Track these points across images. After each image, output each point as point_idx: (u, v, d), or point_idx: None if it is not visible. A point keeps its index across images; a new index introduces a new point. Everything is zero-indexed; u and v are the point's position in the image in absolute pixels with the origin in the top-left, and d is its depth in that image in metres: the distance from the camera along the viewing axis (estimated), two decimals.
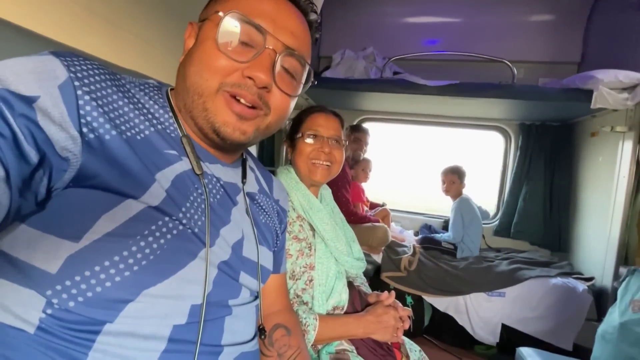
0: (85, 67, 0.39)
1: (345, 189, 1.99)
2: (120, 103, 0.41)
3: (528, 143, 2.46)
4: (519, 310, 1.88)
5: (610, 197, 1.88)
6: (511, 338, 1.89)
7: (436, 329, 2.13)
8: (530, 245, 2.46)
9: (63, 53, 0.40)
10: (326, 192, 1.04)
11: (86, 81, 0.39)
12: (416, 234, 2.59)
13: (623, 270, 1.85)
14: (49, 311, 0.34)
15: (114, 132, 0.39)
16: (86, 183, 0.36)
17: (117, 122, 0.40)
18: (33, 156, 0.33)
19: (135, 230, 0.38)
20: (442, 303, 2.01)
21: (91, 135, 0.37)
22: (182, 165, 0.44)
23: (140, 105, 0.44)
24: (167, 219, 0.40)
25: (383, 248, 2.10)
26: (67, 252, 0.35)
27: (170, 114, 0.47)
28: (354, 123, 2.81)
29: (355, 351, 0.80)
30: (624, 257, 1.82)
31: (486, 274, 1.97)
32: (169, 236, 0.40)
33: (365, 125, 2.83)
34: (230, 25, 0.44)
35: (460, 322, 1.97)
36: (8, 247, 0.35)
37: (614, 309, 0.96)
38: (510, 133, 2.61)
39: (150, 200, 0.39)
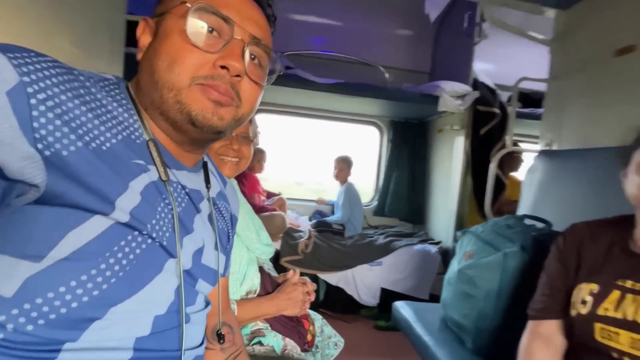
0: (39, 67, 0.34)
1: (241, 182, 2.01)
2: (83, 109, 0.37)
3: (396, 137, 2.96)
4: (393, 274, 2.30)
5: (450, 179, 2.47)
6: (387, 298, 2.29)
7: (330, 302, 2.40)
8: (399, 221, 3.00)
9: (10, 47, 0.34)
10: (233, 183, 1.06)
11: (41, 85, 0.34)
12: (310, 219, 2.81)
13: (459, 233, 2.47)
14: (0, 335, 0.32)
15: (78, 144, 0.35)
16: (51, 201, 0.34)
17: (79, 132, 0.36)
18: None
19: (103, 248, 0.36)
20: (334, 278, 2.28)
21: (49, 152, 0.33)
22: (150, 175, 0.42)
23: (103, 109, 0.40)
24: (136, 233, 0.39)
25: (281, 235, 2.21)
26: (27, 273, 0.33)
27: (135, 116, 0.44)
28: None
29: (269, 328, 0.88)
30: (460, 224, 2.44)
31: (368, 248, 2.32)
32: (137, 251, 0.39)
33: (257, 117, 2.85)
34: (197, 17, 0.43)
35: (349, 292, 2.28)
36: None
37: (454, 261, 1.31)
38: (384, 128, 3.08)
39: (119, 216, 0.37)
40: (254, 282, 0.93)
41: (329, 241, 2.34)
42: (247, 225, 0.95)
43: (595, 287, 0.76)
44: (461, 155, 2.37)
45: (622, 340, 0.68)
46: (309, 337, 0.94)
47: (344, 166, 2.64)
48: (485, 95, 2.28)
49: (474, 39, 2.27)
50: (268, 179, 3.05)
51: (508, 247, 1.09)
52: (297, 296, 0.91)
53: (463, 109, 2.23)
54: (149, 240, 0.40)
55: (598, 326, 0.72)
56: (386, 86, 2.41)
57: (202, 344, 0.53)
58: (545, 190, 1.43)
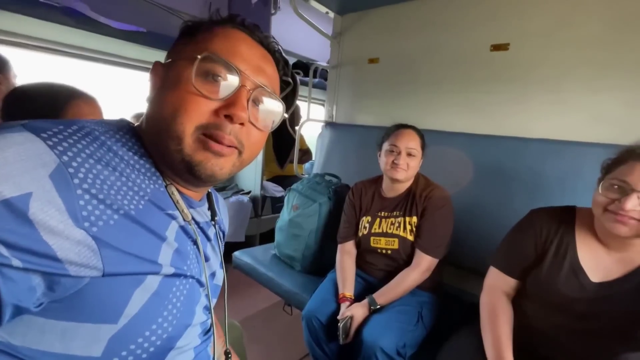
0: (71, 142, 0.35)
1: None
2: (116, 174, 0.39)
3: None
4: None
5: None
6: None
7: None
8: None
9: (40, 126, 0.35)
10: None
11: (78, 160, 0.35)
12: None
13: (265, 183, 2.95)
14: None
15: (120, 212, 0.37)
16: (109, 274, 0.36)
17: (118, 201, 0.37)
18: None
19: (162, 299, 0.41)
20: None
21: (96, 228, 0.34)
22: (178, 221, 0.46)
23: (130, 169, 0.41)
24: (181, 278, 0.45)
25: None
26: (109, 334, 0.37)
27: (153, 166, 0.46)
28: None
29: None
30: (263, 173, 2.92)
31: None
32: (185, 292, 0.45)
33: (2, 50, 1.95)
34: (205, 66, 0.43)
35: None
36: (35, 343, 0.34)
37: (284, 212, 1.73)
38: None
39: (166, 270, 0.42)
40: None
41: None
42: None
43: (369, 218, 1.36)
44: None
45: (382, 242, 1.32)
46: None
47: None
48: None
49: (271, 10, 2.53)
50: None
51: (320, 198, 1.59)
52: None
53: None
54: (190, 280, 0.47)
55: (372, 238, 1.33)
56: None
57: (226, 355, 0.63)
58: (332, 153, 2.05)
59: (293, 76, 2.78)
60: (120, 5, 2.11)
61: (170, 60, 0.47)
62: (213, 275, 0.57)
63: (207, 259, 0.53)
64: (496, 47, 1.51)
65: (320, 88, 2.96)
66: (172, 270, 0.43)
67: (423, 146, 1.28)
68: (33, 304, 0.33)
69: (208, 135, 0.43)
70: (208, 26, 0.47)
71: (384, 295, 1.18)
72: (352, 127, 2.04)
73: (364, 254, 1.37)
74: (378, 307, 1.16)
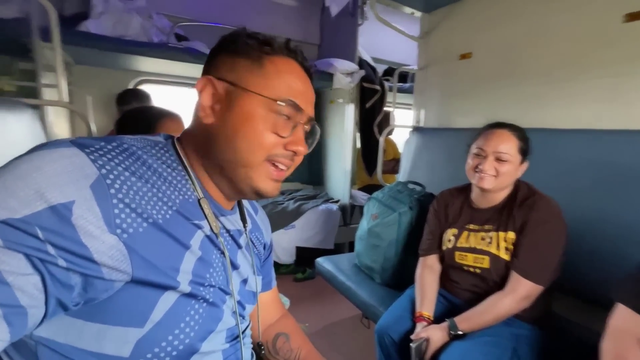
0: (110, 157, 0.40)
1: None
2: (148, 186, 0.42)
3: None
4: (305, 233, 2.65)
5: (343, 144, 2.87)
6: (301, 254, 2.66)
7: None
8: (302, 184, 3.32)
9: (85, 142, 0.40)
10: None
11: (115, 173, 0.39)
12: None
13: (355, 192, 2.96)
14: None
15: (149, 221, 0.41)
16: (136, 281, 0.40)
17: (148, 209, 0.41)
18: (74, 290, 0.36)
19: (183, 307, 0.44)
20: None
21: (126, 235, 0.38)
22: (204, 230, 0.48)
23: (162, 180, 0.45)
24: (201, 288, 0.46)
25: None
26: (136, 337, 0.40)
27: (186, 176, 0.49)
28: (130, 87, 2.47)
29: None
30: (352, 182, 2.93)
31: (282, 214, 2.58)
32: (207, 300, 0.48)
33: (144, 88, 2.55)
34: (282, 110, 0.48)
35: None
36: (75, 342, 0.39)
37: (363, 221, 1.70)
38: None
39: (184, 282, 0.44)
40: None
41: None
42: None
43: (455, 231, 1.21)
44: (351, 125, 2.77)
45: (469, 259, 1.15)
46: None
47: None
48: (368, 72, 2.67)
49: (358, 20, 2.56)
50: None
51: (401, 208, 1.50)
52: None
53: (352, 86, 2.58)
54: (212, 289, 0.48)
55: (457, 253, 1.17)
56: None
57: (252, 357, 0.62)
58: (418, 159, 1.93)
59: (381, 83, 2.75)
60: (215, 36, 2.46)
61: (231, 83, 0.48)
62: (245, 282, 0.58)
63: (236, 267, 0.55)
64: (632, 17, 1.17)
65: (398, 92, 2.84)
66: (190, 278, 0.45)
67: (524, 149, 1.07)
68: (71, 302, 0.37)
69: (273, 162, 0.50)
70: (269, 54, 0.50)
71: (468, 320, 1.03)
72: (441, 131, 1.88)
73: (448, 271, 1.22)
74: (459, 333, 1.01)
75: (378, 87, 2.67)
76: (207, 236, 0.49)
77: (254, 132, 0.47)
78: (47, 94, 1.60)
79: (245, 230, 0.60)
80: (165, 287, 0.42)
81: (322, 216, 2.71)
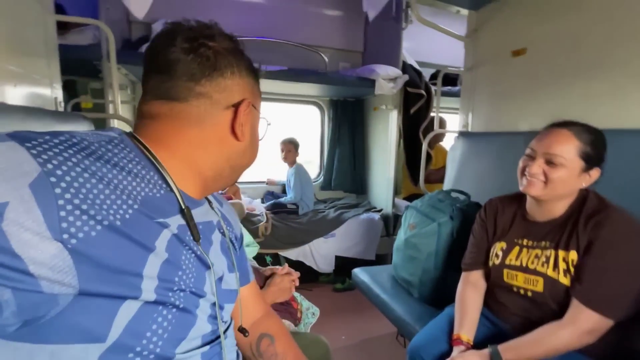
0: (57, 151, 0.34)
1: None
2: (102, 184, 0.37)
3: (337, 115, 3.14)
4: (345, 243, 2.60)
5: (386, 152, 2.78)
6: (341, 263, 2.60)
7: None
8: (344, 193, 3.28)
9: (26, 135, 0.34)
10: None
11: (63, 168, 0.34)
12: (262, 200, 2.91)
13: (398, 201, 2.84)
14: None
15: (104, 223, 0.36)
16: (89, 293, 0.35)
17: (103, 211, 0.36)
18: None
19: (148, 316, 0.40)
20: (293, 253, 2.49)
21: (75, 240, 0.33)
22: (171, 229, 0.44)
23: (120, 176, 0.40)
24: (170, 294, 0.42)
25: (240, 221, 2.30)
26: (98, 352, 0.37)
27: (152, 170, 0.45)
28: None
29: None
30: (396, 192, 2.81)
31: (321, 222, 2.56)
32: (177, 305, 0.43)
33: None
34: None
35: (308, 264, 2.52)
36: None
37: (401, 232, 1.60)
38: (324, 107, 3.23)
39: (148, 287, 0.40)
40: None
41: (285, 221, 2.51)
42: None
43: (504, 245, 1.07)
44: (395, 132, 2.67)
45: (519, 279, 1.01)
46: (298, 314, 1.13)
47: (290, 147, 2.75)
48: (413, 77, 2.56)
49: (402, 25, 2.49)
50: None
51: (441, 217, 1.39)
52: (285, 285, 1.06)
53: (395, 91, 2.49)
54: (182, 294, 0.44)
55: (505, 271, 1.03)
56: (326, 70, 2.53)
57: (237, 358, 0.59)
58: (464, 166, 1.78)
59: (427, 87, 2.62)
60: (269, 52, 2.56)
61: (253, 107, 0.56)
62: (221, 279, 0.54)
63: (209, 266, 0.50)
64: None
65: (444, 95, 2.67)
66: (155, 284, 0.41)
67: (588, 155, 0.90)
68: (4, 324, 0.32)
69: None
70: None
71: (514, 350, 0.89)
72: (490, 135, 1.71)
73: (495, 290, 1.08)
74: None
75: (423, 92, 2.55)
76: (175, 235, 0.44)
77: (257, 145, 0.59)
78: (113, 109, 1.80)
79: (224, 227, 0.59)
80: (124, 297, 0.38)
81: (363, 225, 2.64)
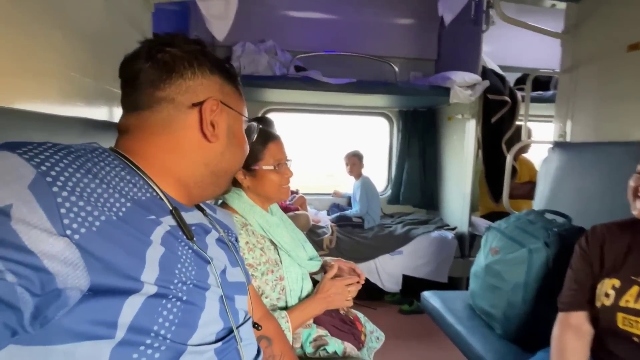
0: (47, 154, 0.36)
1: None
2: (97, 181, 0.39)
3: (406, 126, 3.01)
4: (413, 261, 2.43)
5: (462, 164, 2.54)
6: (409, 283, 2.43)
7: None
8: (413, 208, 3.10)
9: (15, 144, 0.36)
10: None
11: (57, 169, 0.35)
12: (327, 213, 2.91)
13: (476, 219, 2.58)
14: None
15: (102, 218, 0.37)
16: (96, 290, 0.36)
17: (99, 206, 0.38)
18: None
19: (153, 309, 0.41)
20: None
21: (78, 235, 0.34)
22: (164, 227, 0.45)
23: (109, 177, 0.42)
24: (171, 286, 0.43)
25: (305, 233, 2.33)
26: (109, 347, 0.37)
27: (137, 176, 0.47)
28: (259, 115, 2.86)
29: (329, 334, 0.99)
30: (473, 208, 2.55)
31: (388, 238, 2.44)
32: (181, 297, 0.43)
33: (270, 115, 2.91)
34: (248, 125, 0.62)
35: (373, 281, 2.41)
36: None
37: (480, 255, 1.42)
38: (393, 118, 3.13)
39: (150, 279, 0.40)
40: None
41: (350, 234, 2.45)
42: (295, 244, 1.02)
43: (616, 282, 0.86)
44: (472, 142, 2.44)
45: None
46: (362, 337, 1.06)
47: (355, 160, 2.71)
48: (495, 82, 2.32)
49: (482, 27, 2.29)
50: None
51: (532, 243, 1.18)
52: (335, 291, 0.96)
53: (473, 99, 2.28)
54: (184, 286, 0.44)
55: (620, 315, 0.83)
56: (396, 79, 2.44)
57: (258, 354, 0.58)
58: (561, 183, 1.51)
59: (512, 93, 2.35)
60: (337, 65, 2.58)
61: (228, 106, 0.55)
62: (224, 272, 0.54)
63: (208, 261, 0.50)
64: None
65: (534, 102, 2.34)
66: (156, 276, 0.41)
67: None
68: (24, 328, 0.32)
69: None
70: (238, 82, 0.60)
71: None
72: (596, 146, 1.43)
73: (605, 339, 0.87)
74: None
75: (507, 98, 2.29)
76: (168, 231, 0.45)
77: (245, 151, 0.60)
78: None
79: (207, 218, 0.59)
80: (127, 292, 0.38)
81: (434, 244, 2.44)
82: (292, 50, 2.55)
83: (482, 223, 2.59)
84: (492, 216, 2.65)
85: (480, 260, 1.38)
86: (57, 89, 0.81)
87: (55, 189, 0.34)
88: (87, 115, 0.91)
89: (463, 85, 2.26)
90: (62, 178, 0.35)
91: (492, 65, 2.50)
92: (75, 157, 0.39)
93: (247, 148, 0.61)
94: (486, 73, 2.35)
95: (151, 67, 0.49)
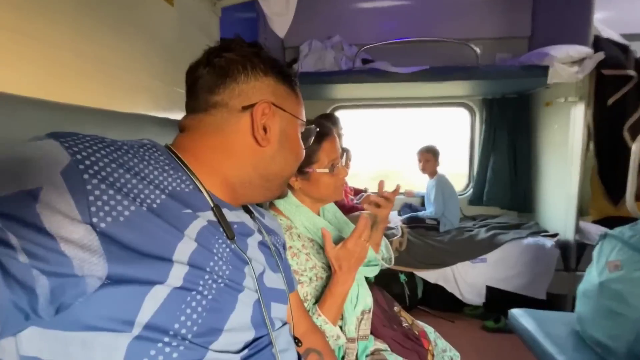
0: (87, 145, 0.38)
1: None
2: (131, 173, 0.40)
3: (491, 116, 2.64)
4: (500, 272, 2.09)
5: (567, 158, 2.10)
6: (494, 296, 2.11)
7: (428, 299, 2.32)
8: (501, 210, 2.70)
9: (61, 133, 0.38)
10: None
11: (92, 159, 0.37)
12: (399, 213, 2.73)
13: (585, 225, 2.12)
14: None
15: (131, 208, 0.38)
16: (117, 280, 0.36)
17: (131, 196, 0.38)
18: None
19: (176, 305, 0.39)
20: (432, 275, 2.18)
21: (104, 224, 0.35)
22: (200, 222, 0.44)
23: (147, 170, 0.43)
24: (200, 282, 0.42)
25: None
26: (126, 341, 0.36)
27: (180, 171, 0.48)
28: (327, 112, 2.83)
29: (388, 348, 0.88)
30: (582, 211, 2.08)
31: (468, 244, 2.15)
32: (209, 293, 0.42)
33: (338, 113, 2.86)
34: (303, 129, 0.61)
35: (450, 290, 2.16)
36: (60, 357, 0.35)
37: (592, 270, 1.12)
38: (475, 108, 2.78)
39: (178, 273, 0.40)
40: (367, 300, 0.93)
41: (424, 238, 2.24)
42: None
43: None
44: (580, 131, 1.99)
45: None
46: (429, 358, 0.92)
47: (429, 157, 2.45)
48: (613, 54, 1.85)
49: None
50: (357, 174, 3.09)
51: None
52: (351, 255, 0.79)
53: (581, 77, 1.86)
54: (214, 284, 0.43)
55: None
56: (477, 63, 2.13)
57: None
58: None
59: (638, 66, 1.84)
60: (408, 55, 2.38)
61: (279, 109, 0.55)
62: (262, 275, 0.53)
63: (247, 262, 0.49)
64: None
65: None
66: (185, 270, 0.40)
67: None
68: (35, 309, 0.32)
69: None
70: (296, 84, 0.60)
71: None
72: None
73: None
74: None
75: (631, 72, 1.81)
76: (205, 227, 0.45)
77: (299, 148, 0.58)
78: None
79: (253, 221, 0.58)
80: (150, 282, 0.38)
81: (528, 253, 2.07)
82: (359, 44, 2.45)
83: (595, 230, 2.10)
84: (610, 222, 2.12)
85: (593, 276, 1.09)
86: (144, 96, 0.91)
87: (86, 176, 0.36)
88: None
89: (567, 62, 1.86)
90: (95, 167, 0.37)
91: (610, 33, 2.00)
92: (114, 149, 0.41)
93: (302, 153, 0.60)
94: (600, 44, 1.89)
95: (208, 73, 0.51)
